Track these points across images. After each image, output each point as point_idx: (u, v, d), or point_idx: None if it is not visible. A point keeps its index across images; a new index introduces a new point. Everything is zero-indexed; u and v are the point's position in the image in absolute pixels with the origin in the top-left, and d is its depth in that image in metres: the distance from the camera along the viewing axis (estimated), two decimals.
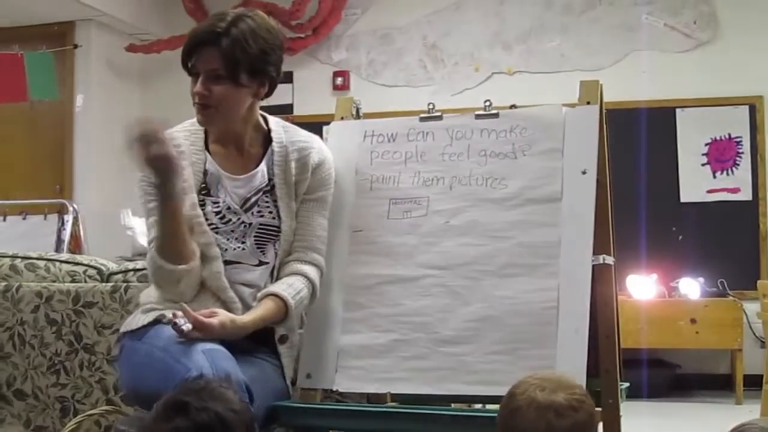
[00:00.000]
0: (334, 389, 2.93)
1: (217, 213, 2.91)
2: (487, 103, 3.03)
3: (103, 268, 3.71)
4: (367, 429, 3.10)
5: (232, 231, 2.91)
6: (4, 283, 3.74)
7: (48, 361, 3.63)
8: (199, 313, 2.68)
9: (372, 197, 3.03)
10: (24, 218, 7.56)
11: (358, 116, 3.25)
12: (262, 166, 2.96)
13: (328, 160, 3.03)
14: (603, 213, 2.85)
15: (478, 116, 3.04)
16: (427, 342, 2.84)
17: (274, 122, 3.05)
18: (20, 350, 3.67)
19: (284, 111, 8.63)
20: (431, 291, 2.88)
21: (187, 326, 2.63)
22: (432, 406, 2.81)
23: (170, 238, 2.77)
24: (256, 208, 2.93)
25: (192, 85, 2.86)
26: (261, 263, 2.92)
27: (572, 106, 2.95)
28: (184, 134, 2.94)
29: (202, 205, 2.90)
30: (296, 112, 8.56)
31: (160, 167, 2.69)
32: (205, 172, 2.93)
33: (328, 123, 8.29)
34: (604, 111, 2.94)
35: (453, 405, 2.95)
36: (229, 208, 2.91)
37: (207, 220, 2.90)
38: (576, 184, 2.85)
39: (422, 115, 3.11)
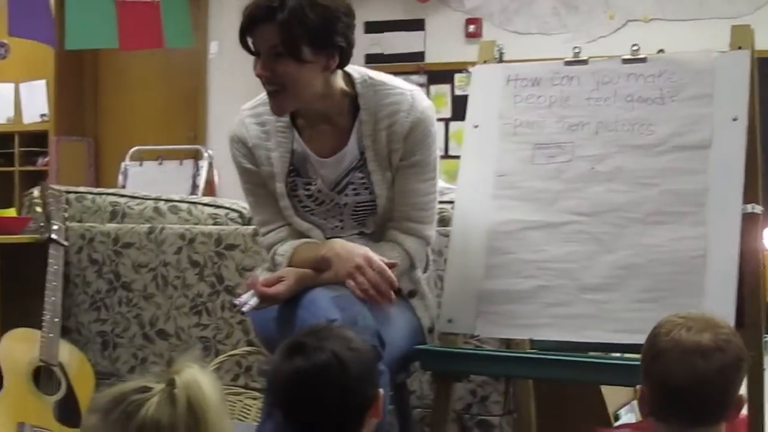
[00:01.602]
0: (475, 335, 2.92)
1: (310, 196, 2.84)
2: (635, 48, 2.97)
3: (244, 211, 3.75)
4: (508, 374, 3.11)
5: (328, 211, 2.86)
6: (147, 225, 3.81)
7: (190, 302, 3.70)
8: (265, 280, 2.69)
9: (516, 142, 2.99)
10: (160, 164, 7.72)
11: (500, 60, 3.21)
12: (352, 141, 2.81)
13: (422, 120, 2.79)
14: (752, 161, 2.78)
15: (625, 61, 2.97)
16: (571, 289, 2.81)
17: (361, 81, 2.81)
18: (163, 291, 3.75)
19: (415, 59, 8.62)
20: (575, 237, 2.84)
21: (253, 301, 2.65)
22: (568, 353, 2.79)
23: None
24: (350, 188, 2.82)
25: (254, 66, 2.71)
26: (362, 234, 2.89)
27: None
28: (269, 108, 2.78)
29: (294, 188, 2.85)
30: (428, 59, 8.53)
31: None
32: (293, 152, 2.83)
33: (460, 71, 8.25)
34: (754, 57, 2.86)
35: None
36: (320, 190, 2.83)
37: (301, 202, 2.86)
38: (726, 131, 2.77)
39: (567, 59, 3.06)
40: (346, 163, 2.81)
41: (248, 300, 2.65)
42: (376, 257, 2.65)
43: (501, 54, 3.19)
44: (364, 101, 2.79)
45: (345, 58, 2.73)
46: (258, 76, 2.69)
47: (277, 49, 2.63)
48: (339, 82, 2.78)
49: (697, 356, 2.03)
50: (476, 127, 3.04)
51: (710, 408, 2.07)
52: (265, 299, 2.66)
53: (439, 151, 2.92)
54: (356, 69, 2.83)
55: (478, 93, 3.08)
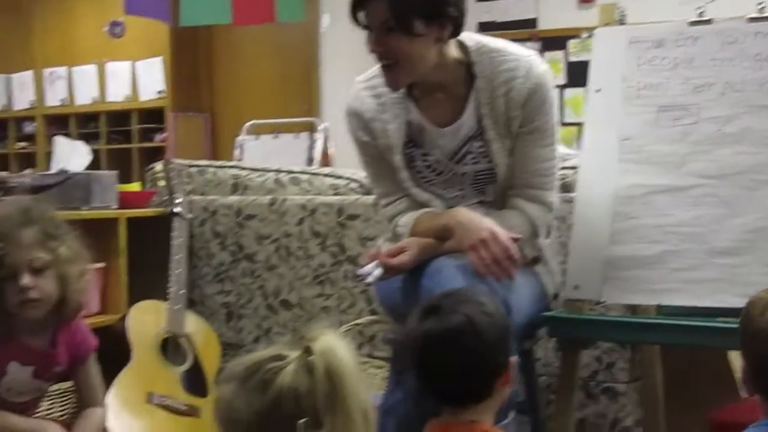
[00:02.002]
0: (602, 301, 2.89)
1: (428, 166, 2.83)
2: (761, 5, 2.90)
3: (364, 181, 3.76)
4: (635, 341, 3.07)
5: (447, 180, 2.84)
6: (269, 197, 3.85)
7: (313, 272, 3.73)
8: (389, 251, 2.68)
9: (639, 105, 2.94)
10: (275, 137, 7.77)
11: (621, 23, 3.16)
12: (469, 110, 2.78)
13: (539, 85, 2.74)
14: None
15: (751, 20, 2.89)
16: (699, 253, 2.75)
17: (476, 49, 2.77)
18: (286, 261, 3.79)
19: (527, 26, 8.54)
20: (703, 201, 2.79)
21: (377, 272, 2.64)
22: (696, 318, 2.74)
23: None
24: (468, 157, 2.80)
25: (367, 40, 2.69)
26: (482, 202, 2.86)
27: None
28: (384, 80, 2.75)
29: (412, 159, 2.83)
30: (540, 26, 8.44)
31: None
32: (409, 123, 2.81)
33: (573, 37, 8.12)
34: None
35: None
36: (439, 161, 2.81)
37: (420, 173, 2.84)
38: None
39: (691, 20, 2.99)
40: (464, 132, 2.79)
41: (372, 271, 2.65)
42: (501, 232, 2.58)
43: (622, 17, 3.14)
44: (479, 69, 2.75)
45: (458, 28, 2.69)
46: (371, 51, 2.68)
47: (388, 23, 2.60)
48: (453, 51, 2.74)
49: None
50: (598, 91, 2.99)
51: None
52: (389, 270, 2.66)
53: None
54: (470, 36, 2.79)
55: (600, 57, 3.03)
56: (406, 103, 2.81)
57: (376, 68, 2.81)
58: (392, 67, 2.67)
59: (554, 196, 2.85)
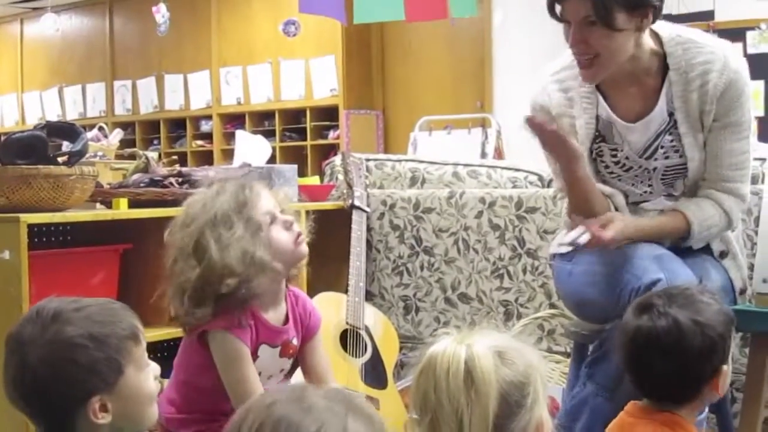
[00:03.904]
0: None
1: (617, 162, 2.78)
2: None
3: (543, 173, 3.73)
4: None
5: (636, 176, 2.79)
6: (447, 190, 3.85)
7: (491, 265, 3.72)
8: (598, 220, 2.60)
9: None
10: (448, 133, 7.78)
11: None
12: (661, 104, 2.71)
13: (736, 80, 2.67)
14: None
15: None
16: None
17: (670, 39, 2.71)
18: (464, 255, 3.78)
19: (703, 18, 8.33)
20: None
21: (584, 238, 2.57)
22: None
23: (581, 208, 2.70)
24: (659, 152, 2.74)
25: (565, 31, 2.63)
26: (670, 195, 2.81)
27: None
28: (573, 73, 2.74)
29: (600, 154, 2.79)
30: (717, 18, 8.24)
31: (558, 154, 2.63)
32: (597, 118, 2.77)
33: (752, 29, 7.90)
34: None
35: None
36: (628, 157, 2.76)
37: (607, 168, 2.80)
38: None
39: None
40: (655, 126, 2.73)
41: (578, 236, 2.58)
42: None
43: None
44: (673, 61, 2.69)
45: (657, 15, 2.62)
46: (571, 46, 2.63)
47: (589, 18, 2.55)
48: (648, 40, 2.69)
49: None
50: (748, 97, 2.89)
51: None
52: (595, 241, 2.58)
53: None
54: (665, 26, 2.73)
55: None
56: (594, 98, 2.76)
57: (563, 60, 2.78)
58: (592, 62, 2.63)
59: (747, 188, 2.78)
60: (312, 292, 3.76)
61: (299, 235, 2.56)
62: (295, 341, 2.64)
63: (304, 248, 2.59)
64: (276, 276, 2.53)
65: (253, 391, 2.45)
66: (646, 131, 2.74)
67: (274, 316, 2.59)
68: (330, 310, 3.66)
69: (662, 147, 2.73)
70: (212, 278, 2.42)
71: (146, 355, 1.98)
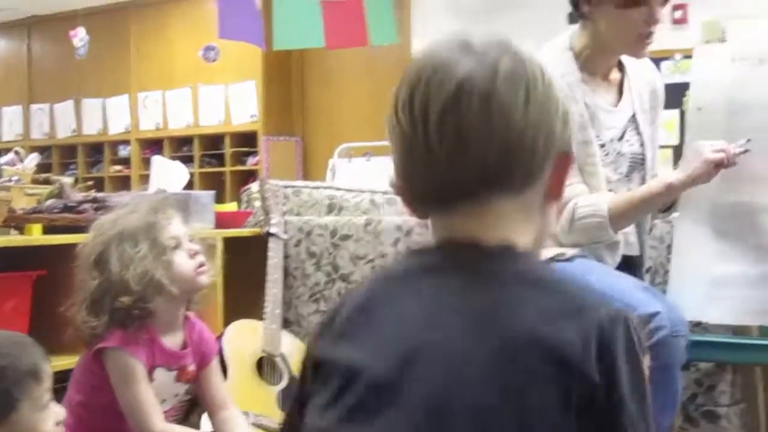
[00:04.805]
0: (704, 321, 2.84)
1: (602, 146, 2.85)
2: None
3: None
4: (738, 361, 3.02)
5: (612, 162, 2.86)
6: (365, 217, 3.85)
7: None
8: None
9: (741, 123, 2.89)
10: (368, 160, 7.79)
11: (722, 41, 3.13)
12: (626, 95, 2.89)
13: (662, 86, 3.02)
14: None
15: None
16: None
17: None
18: None
19: None
20: None
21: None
22: None
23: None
24: (626, 137, 2.88)
25: (637, 13, 2.72)
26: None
27: None
28: (565, 60, 2.83)
29: (588, 142, 2.81)
30: None
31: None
32: (586, 106, 2.83)
33: (667, 59, 7.98)
34: None
35: None
36: (611, 140, 2.85)
37: (592, 157, 2.82)
38: None
39: None
40: (626, 112, 2.90)
41: None
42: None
43: (723, 34, 3.11)
44: (626, 60, 2.94)
45: None
46: (652, 25, 2.74)
47: None
48: None
49: None
50: (700, 109, 2.95)
51: None
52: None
53: None
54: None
55: (701, 75, 2.99)
56: (583, 86, 2.84)
57: (555, 48, 2.86)
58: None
59: None
60: (228, 319, 3.74)
61: (202, 265, 2.61)
62: (192, 367, 2.69)
63: (205, 279, 2.64)
64: (173, 300, 2.58)
65: (149, 411, 2.50)
66: (621, 116, 2.89)
67: (171, 340, 2.64)
68: (246, 337, 3.64)
69: (628, 133, 2.89)
70: (110, 291, 2.48)
71: (49, 396, 1.95)
